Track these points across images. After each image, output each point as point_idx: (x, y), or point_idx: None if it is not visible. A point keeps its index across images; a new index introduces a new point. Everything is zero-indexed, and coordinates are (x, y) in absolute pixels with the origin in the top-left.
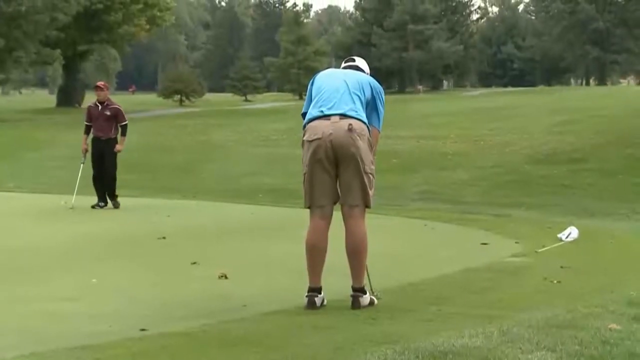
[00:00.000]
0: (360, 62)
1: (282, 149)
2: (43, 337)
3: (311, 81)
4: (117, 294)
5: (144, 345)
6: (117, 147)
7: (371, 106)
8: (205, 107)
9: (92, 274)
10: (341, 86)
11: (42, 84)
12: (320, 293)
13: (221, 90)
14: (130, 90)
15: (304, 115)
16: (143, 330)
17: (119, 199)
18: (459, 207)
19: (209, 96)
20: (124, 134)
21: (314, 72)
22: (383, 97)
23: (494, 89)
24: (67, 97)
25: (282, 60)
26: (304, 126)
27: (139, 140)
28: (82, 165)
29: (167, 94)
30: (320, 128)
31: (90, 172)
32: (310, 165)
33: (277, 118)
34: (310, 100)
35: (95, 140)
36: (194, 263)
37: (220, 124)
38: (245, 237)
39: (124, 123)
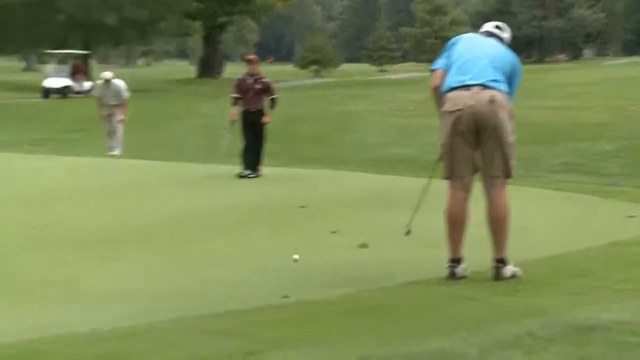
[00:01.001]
0: (504, 29)
1: (418, 120)
2: (192, 301)
3: (453, 41)
4: (260, 261)
5: (286, 312)
6: (266, 118)
7: (507, 82)
8: (341, 77)
9: (235, 241)
10: (483, 55)
11: (182, 55)
12: (461, 263)
13: (357, 60)
14: (269, 60)
15: (432, 71)
16: (285, 297)
17: (261, 169)
18: (602, 179)
19: (345, 67)
20: (273, 106)
21: None
22: (520, 76)
23: (638, 58)
24: (207, 68)
25: (418, 30)
26: (440, 89)
27: (278, 110)
28: (227, 135)
29: (303, 64)
30: (461, 99)
31: (235, 142)
32: (451, 137)
33: (413, 88)
34: (446, 59)
35: (244, 112)
36: (334, 232)
37: (356, 95)
38: (384, 207)
39: (274, 96)
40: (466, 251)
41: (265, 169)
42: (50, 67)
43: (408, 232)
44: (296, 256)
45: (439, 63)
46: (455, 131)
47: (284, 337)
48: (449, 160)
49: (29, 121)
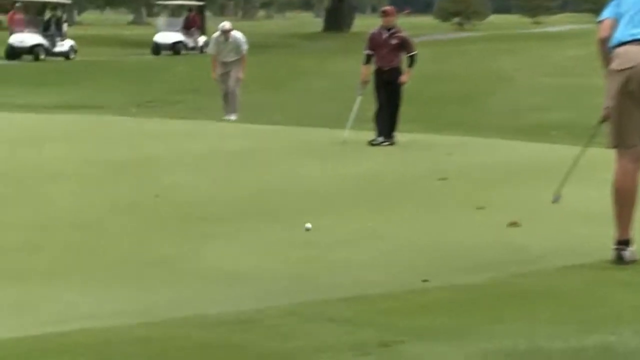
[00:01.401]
0: None
1: (579, 79)
2: (315, 286)
3: None
4: (395, 240)
5: (425, 298)
6: (403, 77)
7: None
8: (489, 30)
9: (366, 217)
10: None
11: (307, 6)
12: (630, 246)
13: (507, 11)
14: (405, 12)
15: (599, 22)
16: (425, 281)
17: (396, 136)
18: None
19: (493, 18)
20: (411, 64)
21: None
22: None
23: None
24: (335, 21)
25: None
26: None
27: (416, 69)
28: (359, 97)
29: (445, 16)
30: (633, 55)
31: (367, 105)
32: (619, 99)
33: (573, 43)
34: (616, 8)
35: (378, 71)
36: (480, 208)
37: (506, 50)
38: (537, 180)
39: (413, 53)
40: (638, 231)
41: (400, 136)
42: (161, 21)
43: (556, 200)
44: (309, 225)
45: (608, 12)
46: (625, 93)
47: (423, 326)
48: (616, 127)
49: (136, 81)
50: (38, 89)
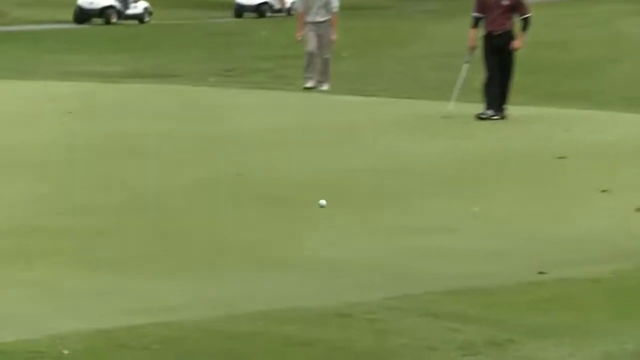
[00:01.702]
0: None
1: None
2: (415, 277)
3: None
4: (505, 226)
5: (540, 292)
6: (516, 43)
7: None
8: None
9: (472, 200)
10: None
11: None
12: None
13: None
14: None
15: None
16: (541, 273)
17: (507, 109)
18: None
19: None
20: (525, 28)
21: None
22: None
23: None
24: None
25: None
26: None
27: (530, 33)
28: (466, 65)
29: None
30: None
31: (474, 74)
32: None
33: None
34: None
35: (487, 36)
36: (604, 191)
37: (632, 11)
38: None
39: (527, 15)
40: None
41: (512, 109)
42: None
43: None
44: (323, 201)
45: None
46: None
47: (537, 324)
48: None
49: (216, 47)
50: (109, 55)
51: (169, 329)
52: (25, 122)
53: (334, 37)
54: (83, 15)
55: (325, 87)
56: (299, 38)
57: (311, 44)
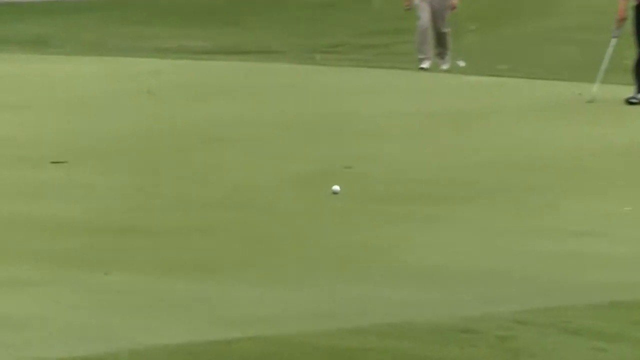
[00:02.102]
0: None
1: None
2: (553, 287)
3: None
4: None
5: None
6: None
7: None
8: None
9: (622, 199)
10: None
11: None
12: None
13: None
14: None
15: None
16: None
17: None
18: None
19: None
20: None
21: None
22: None
23: None
24: None
25: None
26: None
27: None
28: (614, 40)
29: None
30: None
31: (623, 50)
32: None
33: None
34: None
35: (638, 7)
36: None
37: None
38: None
39: None
40: None
41: None
42: None
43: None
44: (337, 187)
45: None
46: None
47: None
48: None
49: (320, 19)
50: (191, 29)
51: (269, 344)
52: (99, 104)
53: (455, 1)
54: None
55: (444, 66)
56: (408, 7)
57: (424, 17)
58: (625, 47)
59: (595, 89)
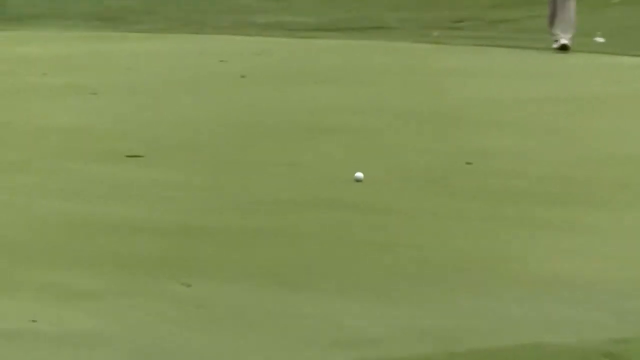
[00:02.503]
0: None
1: None
2: None
3: None
4: None
5: None
6: None
7: None
8: None
9: None
10: None
11: None
12: None
13: None
14: None
15: None
16: None
17: None
18: None
19: None
20: None
21: None
22: None
23: None
24: None
25: None
26: None
27: None
28: None
29: None
30: None
31: None
32: None
33: None
34: None
35: None
36: None
37: None
38: None
39: None
40: None
41: None
42: None
43: None
44: (359, 174)
45: None
46: None
47: None
48: None
49: None
50: (293, 2)
51: None
52: (183, 89)
53: None
54: None
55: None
56: None
57: None
58: None
59: None
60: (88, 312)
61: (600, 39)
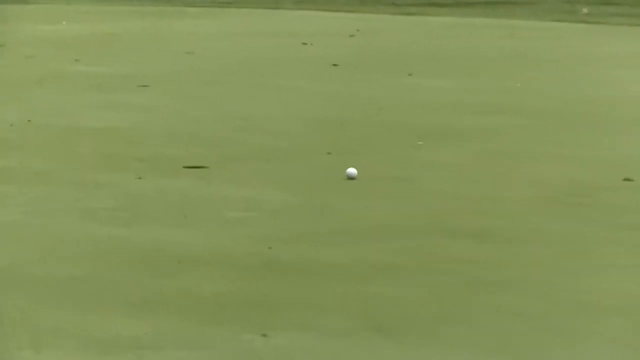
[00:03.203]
0: None
1: None
2: None
3: None
4: None
5: None
6: None
7: None
8: None
9: None
10: None
11: None
12: None
13: None
14: None
15: None
16: None
17: None
18: None
19: None
20: None
21: None
22: None
23: None
24: None
25: None
26: None
27: None
28: None
29: None
30: None
31: None
32: None
33: None
34: None
35: None
36: None
37: None
38: None
39: None
40: None
41: None
42: None
43: None
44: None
45: None
46: None
47: None
48: None
49: None
50: None
51: None
52: (259, 81)
53: None
54: None
55: None
56: None
57: None
58: None
59: None
60: None
61: None
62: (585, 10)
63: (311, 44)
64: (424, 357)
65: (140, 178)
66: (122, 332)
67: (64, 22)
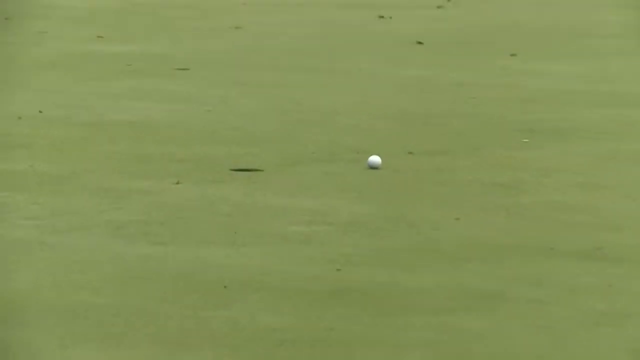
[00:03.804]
0: None
1: None
2: None
3: None
4: None
5: None
6: None
7: None
8: None
9: None
10: None
11: None
12: None
13: None
14: None
15: None
16: None
17: None
18: None
19: None
20: None
21: None
22: None
23: None
24: None
25: None
26: None
27: None
28: None
29: None
30: None
31: None
32: None
33: None
34: None
35: None
36: None
37: None
38: None
39: None
40: None
41: None
42: None
43: None
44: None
45: None
46: None
47: None
48: None
49: None
50: None
51: None
52: (326, 64)
53: None
54: None
55: None
56: None
57: None
58: None
59: None
60: None
61: None
62: None
63: (390, 17)
64: None
65: (178, 184)
66: None
67: None
